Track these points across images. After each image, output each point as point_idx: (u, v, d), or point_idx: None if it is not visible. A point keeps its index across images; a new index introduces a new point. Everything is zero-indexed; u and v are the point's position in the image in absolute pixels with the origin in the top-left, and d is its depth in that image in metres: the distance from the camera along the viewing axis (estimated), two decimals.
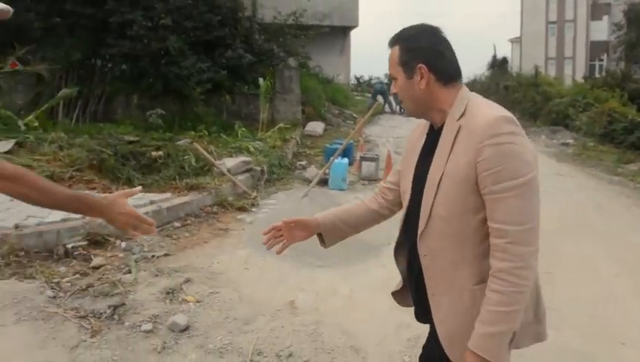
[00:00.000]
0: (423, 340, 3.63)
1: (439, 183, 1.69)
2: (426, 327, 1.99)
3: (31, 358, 3.27)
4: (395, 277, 4.79)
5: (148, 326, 3.64)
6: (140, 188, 2.13)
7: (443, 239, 1.71)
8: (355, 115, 15.74)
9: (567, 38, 40.08)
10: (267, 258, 4.89)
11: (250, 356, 3.39)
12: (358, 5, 21.45)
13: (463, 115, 1.68)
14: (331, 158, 7.81)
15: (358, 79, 32.76)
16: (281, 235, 2.07)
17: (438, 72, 1.71)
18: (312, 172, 8.37)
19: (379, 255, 5.36)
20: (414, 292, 1.93)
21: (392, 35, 1.80)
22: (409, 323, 3.91)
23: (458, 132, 1.66)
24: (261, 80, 10.66)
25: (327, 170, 8.31)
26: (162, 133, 9.38)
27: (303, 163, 9.32)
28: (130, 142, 8.57)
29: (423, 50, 1.71)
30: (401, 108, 18.30)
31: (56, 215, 5.26)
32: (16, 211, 5.32)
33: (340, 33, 20.76)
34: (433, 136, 1.79)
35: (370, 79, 34.22)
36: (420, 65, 1.70)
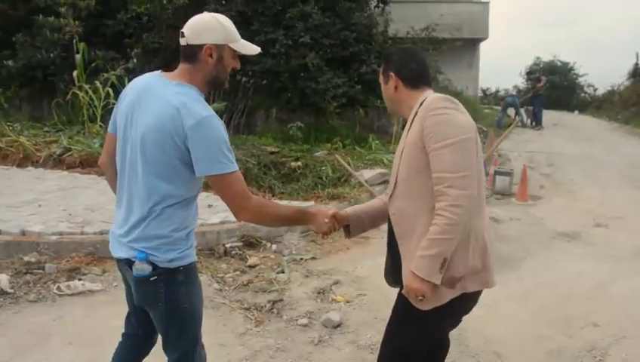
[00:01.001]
0: (566, 353, 3.69)
1: (402, 153, 2.19)
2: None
3: (207, 340, 3.68)
4: (532, 291, 4.83)
5: (304, 321, 4.01)
6: (332, 210, 2.56)
7: (406, 197, 2.15)
8: (484, 129, 15.50)
9: None
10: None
11: None
12: (489, 17, 21.13)
13: (420, 105, 2.16)
14: None
15: (484, 91, 31.91)
16: None
17: (404, 79, 2.24)
18: None
19: (517, 268, 5.41)
20: (390, 259, 2.37)
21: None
22: (549, 335, 3.98)
23: (415, 115, 2.16)
24: None
25: None
26: (300, 145, 9.94)
27: None
28: (272, 153, 9.21)
29: (395, 62, 2.27)
30: (532, 121, 17.73)
31: (216, 217, 5.87)
32: None
33: (469, 46, 20.52)
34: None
35: (497, 91, 33.28)
36: (391, 73, 2.26)
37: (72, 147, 8.61)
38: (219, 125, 2.03)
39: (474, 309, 4.27)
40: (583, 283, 5.01)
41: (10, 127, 9.38)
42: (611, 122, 21.14)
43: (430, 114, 2.03)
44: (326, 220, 2.41)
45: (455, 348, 3.76)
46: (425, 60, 2.31)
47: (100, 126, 9.39)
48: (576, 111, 25.97)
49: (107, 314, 3.97)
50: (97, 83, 9.49)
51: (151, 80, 2.14)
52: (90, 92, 9.54)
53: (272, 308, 4.21)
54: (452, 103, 2.07)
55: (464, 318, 4.15)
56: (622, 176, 10.28)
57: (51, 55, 11.18)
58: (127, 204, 2.14)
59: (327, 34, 11.11)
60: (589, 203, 8.31)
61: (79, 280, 4.48)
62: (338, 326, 3.94)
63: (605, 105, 25.26)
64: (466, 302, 2.17)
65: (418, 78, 2.25)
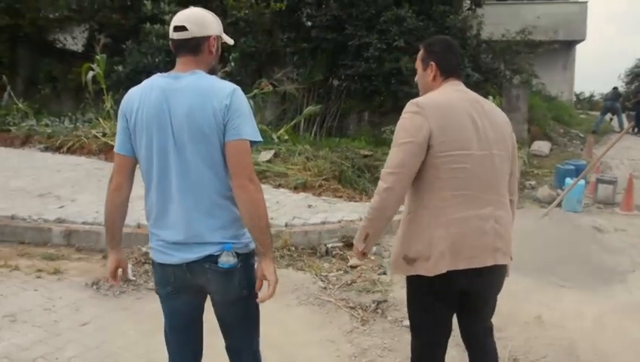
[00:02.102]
0: None
1: None
2: None
3: (315, 335, 3.88)
4: None
5: (409, 323, 4.06)
6: None
7: None
8: (581, 135, 14.88)
9: None
10: (511, 273, 5.04)
11: (506, 360, 3.61)
12: (587, 17, 20.27)
13: None
14: (575, 180, 7.60)
15: (577, 96, 30.53)
16: None
17: (443, 70, 2.44)
18: (544, 192, 8.22)
19: (624, 281, 5.22)
20: None
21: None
22: None
23: None
24: (491, 98, 10.74)
25: (558, 191, 8.15)
26: None
27: (532, 183, 9.19)
28: (365, 156, 9.31)
29: (436, 53, 2.46)
30: (634, 128, 16.81)
31: (317, 218, 6.03)
32: (283, 212, 6.21)
33: (564, 48, 19.75)
34: None
35: (592, 96, 31.80)
36: (432, 62, 2.44)
37: None
38: (245, 97, 2.14)
39: (579, 321, 4.23)
40: None
41: None
42: None
43: (401, 116, 2.33)
44: None
45: (565, 358, 3.71)
46: (460, 53, 2.56)
47: None
48: None
49: None
50: None
51: (161, 81, 2.13)
52: None
53: (376, 308, 4.29)
54: (416, 107, 2.28)
55: (570, 328, 4.11)
56: None
57: (156, 60, 11.83)
58: (184, 204, 2.11)
59: (421, 37, 11.04)
60: None
61: None
62: None
63: None
64: (430, 283, 2.33)
65: (453, 70, 2.46)
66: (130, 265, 4.73)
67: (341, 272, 5.02)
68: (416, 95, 9.40)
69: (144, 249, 5.09)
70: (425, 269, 2.30)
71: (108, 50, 12.26)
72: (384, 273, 5.01)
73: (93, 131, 10.09)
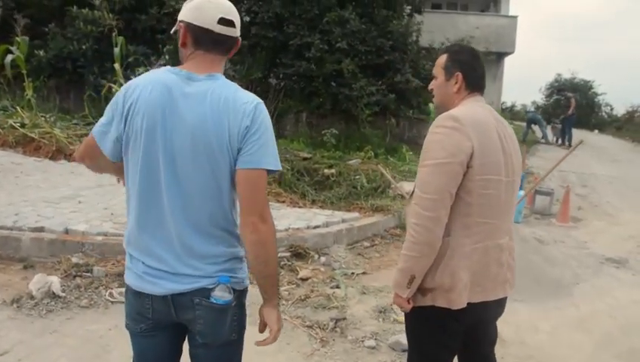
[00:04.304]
0: None
1: None
2: None
3: (274, 360, 3.55)
4: (590, 319, 4.65)
5: (371, 343, 3.81)
6: None
7: None
8: None
9: None
10: None
11: None
12: (516, 31, 20.99)
13: None
14: (525, 192, 7.67)
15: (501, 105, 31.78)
16: None
17: (468, 83, 2.18)
18: None
19: (570, 294, 5.26)
20: None
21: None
22: None
23: None
24: (431, 104, 10.78)
25: None
26: (332, 152, 9.76)
27: None
28: (304, 159, 9.04)
29: (463, 63, 2.19)
30: (557, 139, 17.51)
31: None
32: None
33: (495, 59, 20.39)
34: None
35: (513, 106, 33.15)
36: (458, 73, 2.17)
37: None
38: (268, 113, 1.79)
39: (535, 336, 4.16)
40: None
41: (44, 118, 9.22)
42: (635, 143, 20.99)
43: (431, 131, 2.06)
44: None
45: None
46: (484, 67, 2.29)
47: None
48: (596, 131, 25.83)
49: None
50: (133, 78, 9.36)
51: (171, 77, 1.73)
52: None
53: (335, 327, 4.01)
54: (455, 123, 2.00)
55: (529, 343, 4.03)
56: None
57: (83, 47, 11.04)
58: (177, 228, 1.74)
59: (363, 40, 10.95)
60: (630, 227, 8.14)
61: None
62: (406, 350, 3.74)
63: (627, 126, 25.13)
64: (441, 317, 2.12)
65: (479, 83, 2.22)
66: (58, 279, 4.19)
67: (293, 286, 4.71)
68: (357, 97, 9.21)
69: (74, 259, 4.57)
70: (447, 301, 2.07)
71: (27, 32, 11.31)
72: (337, 286, 4.74)
73: (10, 121, 9.19)
